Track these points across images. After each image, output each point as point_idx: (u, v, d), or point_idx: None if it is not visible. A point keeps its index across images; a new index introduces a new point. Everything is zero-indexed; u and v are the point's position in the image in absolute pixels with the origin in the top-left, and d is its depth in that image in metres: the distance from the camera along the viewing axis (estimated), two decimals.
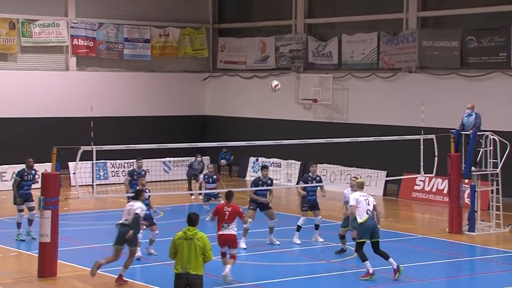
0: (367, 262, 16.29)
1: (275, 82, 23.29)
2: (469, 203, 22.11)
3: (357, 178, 18.68)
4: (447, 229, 21.71)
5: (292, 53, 33.98)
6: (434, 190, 27.15)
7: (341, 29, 32.94)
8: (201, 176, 23.14)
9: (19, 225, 20.35)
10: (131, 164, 30.95)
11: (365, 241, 16.42)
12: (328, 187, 23.45)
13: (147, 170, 30.05)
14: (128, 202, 16.95)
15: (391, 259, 16.31)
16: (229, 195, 16.59)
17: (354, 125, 30.73)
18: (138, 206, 16.01)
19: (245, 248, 18.92)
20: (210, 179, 22.91)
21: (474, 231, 21.40)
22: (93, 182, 19.87)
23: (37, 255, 16.78)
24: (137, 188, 18.16)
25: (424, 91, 28.88)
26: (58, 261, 16.73)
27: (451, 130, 22.17)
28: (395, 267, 16.24)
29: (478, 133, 21.66)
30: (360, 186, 16.92)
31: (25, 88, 32.79)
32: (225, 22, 37.62)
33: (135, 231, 15.95)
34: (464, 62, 28.40)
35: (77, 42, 33.98)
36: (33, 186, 20.67)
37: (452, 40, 28.62)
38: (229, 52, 36.93)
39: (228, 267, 15.81)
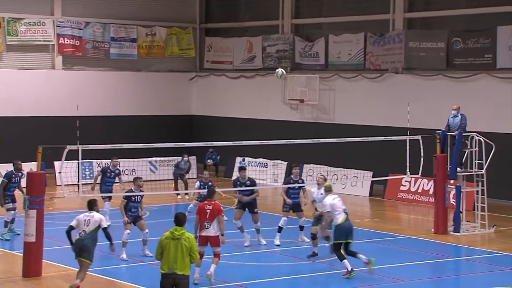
0: (345, 260, 16.45)
1: (279, 72, 23.22)
2: (454, 203, 22.17)
3: (325, 177, 18.86)
4: (433, 230, 21.77)
5: (279, 53, 34.03)
6: (419, 190, 27.21)
7: (328, 29, 33.00)
8: (197, 183, 23.01)
9: (6, 223, 20.32)
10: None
11: (342, 243, 16.57)
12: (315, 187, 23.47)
13: (134, 170, 30.25)
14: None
15: (359, 255, 16.49)
16: (210, 193, 16.53)
17: (341, 125, 30.80)
18: (99, 218, 15.12)
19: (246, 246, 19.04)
20: (206, 186, 22.78)
21: (459, 232, 21.48)
22: (78, 182, 19.84)
23: (21, 254, 16.71)
24: (132, 188, 18.21)
25: (410, 92, 28.97)
26: (43, 260, 16.68)
27: (437, 131, 22.23)
28: (366, 260, 16.40)
29: (464, 134, 21.73)
30: (328, 190, 17.08)
31: (10, 87, 32.67)
32: (212, 22, 37.62)
33: (91, 245, 15.07)
34: (450, 63, 28.51)
35: (63, 41, 33.90)
36: None
37: (438, 41, 28.73)
38: (216, 52, 36.94)
39: (213, 266, 15.77)
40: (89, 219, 15.05)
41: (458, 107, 22.18)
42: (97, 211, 15.32)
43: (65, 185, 19.59)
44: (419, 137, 21.55)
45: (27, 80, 33.13)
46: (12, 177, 20.55)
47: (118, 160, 23.06)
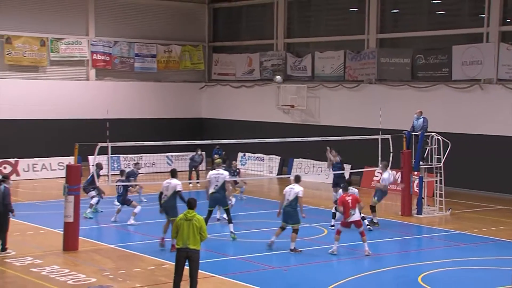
0: None
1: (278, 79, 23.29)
2: (417, 191, 22.23)
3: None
4: (400, 213, 21.84)
5: (274, 67, 34.08)
6: None
7: (314, 47, 33.06)
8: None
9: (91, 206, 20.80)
10: (140, 157, 30.96)
11: (211, 210, 17.65)
12: (303, 178, 23.48)
13: (154, 163, 30.35)
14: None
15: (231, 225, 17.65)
16: (345, 187, 16.93)
17: (325, 126, 30.85)
18: (175, 184, 16.51)
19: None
20: (235, 172, 23.17)
21: (421, 214, 21.56)
22: (108, 172, 19.92)
23: (62, 232, 16.79)
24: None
25: (382, 99, 29.05)
26: (80, 237, 16.75)
27: (404, 131, 22.28)
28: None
29: (425, 134, 21.81)
30: (217, 165, 18.22)
31: (53, 94, 32.77)
32: (218, 41, 37.68)
33: (171, 206, 16.43)
34: (414, 75, 28.58)
35: (96, 57, 33.95)
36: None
37: (404, 57, 28.80)
38: (221, 66, 36.99)
39: (365, 245, 16.18)
40: (168, 185, 16.56)
41: (420, 111, 22.25)
42: (176, 178, 16.68)
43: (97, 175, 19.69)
44: (389, 136, 21.60)
45: (66, 89, 33.19)
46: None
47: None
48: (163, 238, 16.61)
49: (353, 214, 16.07)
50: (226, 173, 18.13)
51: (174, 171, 16.95)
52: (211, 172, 18.09)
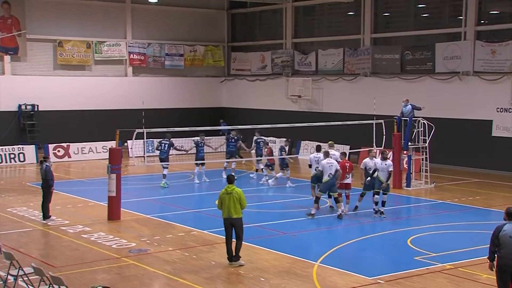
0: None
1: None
2: (406, 167, 22.20)
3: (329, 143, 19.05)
4: (391, 185, 21.75)
5: (283, 63, 33.96)
6: None
7: (318, 46, 32.90)
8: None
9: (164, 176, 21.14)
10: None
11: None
12: (308, 156, 23.51)
13: (181, 146, 30.21)
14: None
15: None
16: (344, 154, 17.33)
17: (327, 113, 30.78)
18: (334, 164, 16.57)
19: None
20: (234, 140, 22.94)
21: (410, 187, 21.53)
22: (144, 154, 20.03)
23: (106, 205, 16.93)
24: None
25: (376, 89, 28.92)
26: (122, 209, 16.87)
27: (394, 117, 22.23)
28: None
29: (413, 118, 21.73)
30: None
31: (97, 89, 32.88)
32: (236, 41, 37.58)
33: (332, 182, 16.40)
34: (403, 69, 28.41)
35: (132, 56, 33.98)
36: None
37: (394, 53, 28.61)
38: (239, 63, 36.92)
39: (347, 206, 16.74)
40: (331, 165, 16.40)
41: (407, 99, 22.22)
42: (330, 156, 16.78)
43: (135, 157, 19.78)
44: (382, 121, 21.55)
45: (108, 84, 33.30)
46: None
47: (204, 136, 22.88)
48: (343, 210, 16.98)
49: (347, 178, 16.21)
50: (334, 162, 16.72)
51: (343, 154, 17.35)
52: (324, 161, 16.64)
